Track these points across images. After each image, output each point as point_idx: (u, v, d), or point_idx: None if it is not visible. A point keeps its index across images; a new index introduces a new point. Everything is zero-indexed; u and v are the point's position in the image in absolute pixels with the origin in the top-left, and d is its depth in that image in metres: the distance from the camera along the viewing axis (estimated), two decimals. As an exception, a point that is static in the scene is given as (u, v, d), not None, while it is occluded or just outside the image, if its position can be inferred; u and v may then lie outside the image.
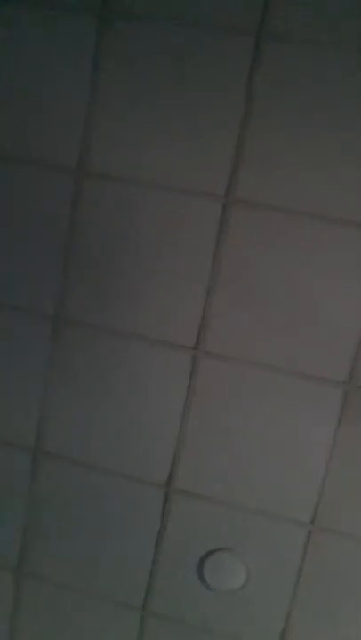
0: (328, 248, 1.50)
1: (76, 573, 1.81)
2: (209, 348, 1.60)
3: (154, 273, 1.60)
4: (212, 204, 1.53)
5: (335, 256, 1.50)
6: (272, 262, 1.53)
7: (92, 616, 1.83)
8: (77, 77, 1.55)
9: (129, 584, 1.78)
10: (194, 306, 1.60)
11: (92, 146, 1.58)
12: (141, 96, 1.52)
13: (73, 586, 1.81)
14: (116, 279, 1.63)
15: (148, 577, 1.76)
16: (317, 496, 1.62)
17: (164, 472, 1.69)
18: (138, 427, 1.68)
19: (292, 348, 1.56)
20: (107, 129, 1.56)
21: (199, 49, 1.47)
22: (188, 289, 1.59)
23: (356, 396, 1.54)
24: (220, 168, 1.51)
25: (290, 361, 1.56)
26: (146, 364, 1.64)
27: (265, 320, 1.56)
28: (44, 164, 1.61)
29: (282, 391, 1.58)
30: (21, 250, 1.67)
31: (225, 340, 1.59)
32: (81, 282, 1.65)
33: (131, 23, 1.50)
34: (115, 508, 1.74)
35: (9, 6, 1.56)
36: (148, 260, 1.60)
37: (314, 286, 1.52)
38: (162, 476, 1.69)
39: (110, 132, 1.57)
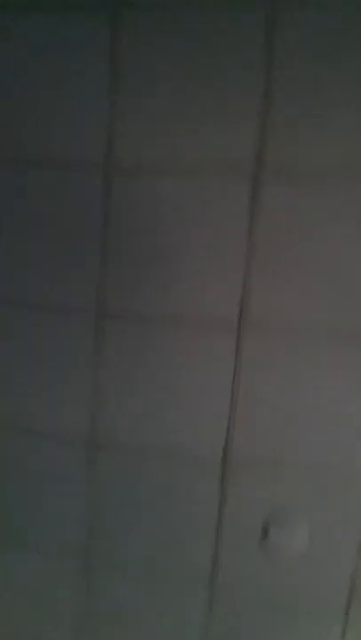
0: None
1: (141, 555, 1.87)
2: (251, 323, 1.66)
3: (189, 257, 1.65)
4: (241, 181, 1.59)
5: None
6: (304, 232, 1.59)
7: (162, 593, 1.89)
8: (96, 73, 1.60)
9: (195, 559, 1.84)
10: (233, 284, 1.65)
11: (118, 139, 1.63)
12: (161, 82, 1.57)
13: (140, 567, 1.88)
14: (153, 267, 1.68)
15: (213, 549, 1.83)
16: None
17: (219, 446, 1.75)
18: (189, 408, 1.74)
19: (334, 312, 1.62)
20: (130, 119, 1.61)
21: (214, 28, 1.51)
22: (225, 268, 1.65)
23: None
24: (246, 145, 1.57)
25: (333, 326, 1.63)
26: (190, 346, 1.70)
27: (303, 290, 1.62)
28: (73, 163, 1.65)
29: (326, 356, 1.64)
30: (58, 250, 1.72)
31: (269, 311, 1.65)
32: (118, 274, 1.70)
33: (141, 12, 1.54)
34: (174, 490, 1.80)
35: (23, 13, 1.61)
36: (182, 245, 1.65)
37: (345, 248, 1.58)
38: (218, 450, 1.75)
39: (135, 123, 1.61)
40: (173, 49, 1.56)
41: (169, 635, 1.91)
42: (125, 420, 1.79)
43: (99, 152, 1.65)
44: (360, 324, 1.61)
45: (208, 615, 1.88)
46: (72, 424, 1.81)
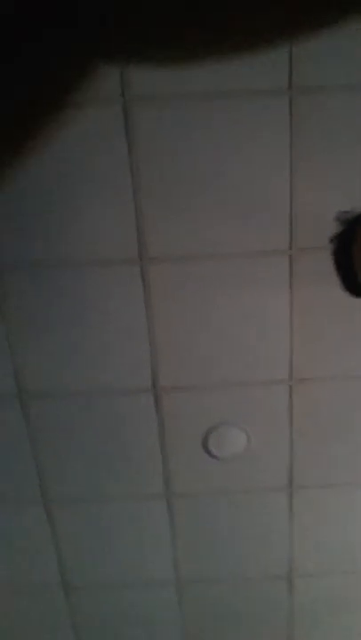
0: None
1: (98, 481, 1.96)
2: (152, 255, 1.61)
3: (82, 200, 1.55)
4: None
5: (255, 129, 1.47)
6: (192, 151, 1.50)
7: (124, 513, 2.02)
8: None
9: (148, 477, 1.95)
10: (126, 219, 1.57)
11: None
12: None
13: (99, 492, 1.98)
14: (43, 215, 1.58)
15: (161, 465, 1.93)
16: (288, 354, 1.74)
17: (148, 376, 1.78)
18: (112, 345, 1.74)
19: (231, 231, 1.58)
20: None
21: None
22: (116, 205, 1.56)
23: (300, 260, 1.60)
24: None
25: (234, 244, 1.59)
26: (97, 285, 1.66)
27: (199, 213, 1.56)
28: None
29: (235, 274, 1.63)
30: None
31: (166, 242, 1.60)
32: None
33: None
34: (114, 421, 1.85)
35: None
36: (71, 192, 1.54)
37: (238, 165, 1.51)
38: (147, 381, 1.78)
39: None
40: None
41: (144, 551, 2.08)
42: (47, 367, 1.77)
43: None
44: (261, 234, 1.59)
45: (171, 524, 2.03)
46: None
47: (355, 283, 1.41)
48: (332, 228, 1.52)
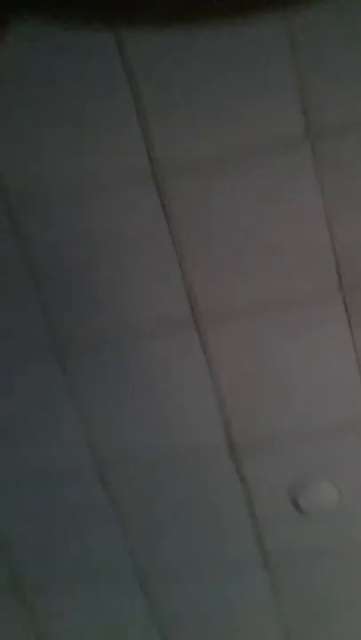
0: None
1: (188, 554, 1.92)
2: (205, 315, 1.61)
3: (124, 268, 1.60)
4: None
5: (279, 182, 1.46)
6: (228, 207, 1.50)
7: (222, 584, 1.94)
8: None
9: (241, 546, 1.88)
10: (174, 281, 1.59)
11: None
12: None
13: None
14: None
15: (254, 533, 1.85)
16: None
17: (222, 436, 1.74)
18: (182, 409, 1.73)
19: (278, 279, 1.55)
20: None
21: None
22: (161, 268, 1.59)
23: (355, 297, 1.54)
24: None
25: (283, 291, 1.56)
26: (153, 352, 1.67)
27: (244, 266, 1.55)
28: None
29: (292, 323, 1.59)
30: None
31: (216, 302, 1.59)
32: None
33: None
34: (193, 486, 1.82)
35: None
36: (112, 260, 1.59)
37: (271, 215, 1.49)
38: (221, 440, 1.75)
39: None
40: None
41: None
42: (122, 439, 1.79)
43: None
44: (308, 278, 1.54)
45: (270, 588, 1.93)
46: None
47: None
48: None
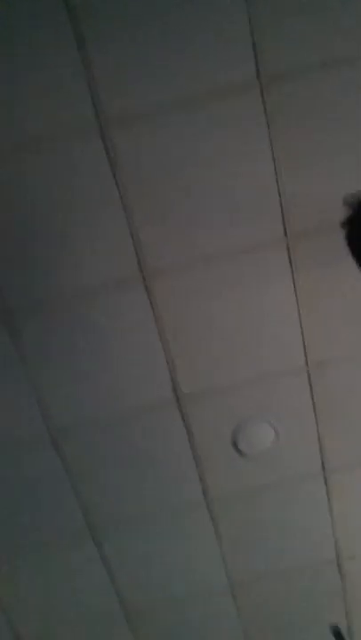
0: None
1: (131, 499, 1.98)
2: (151, 266, 1.62)
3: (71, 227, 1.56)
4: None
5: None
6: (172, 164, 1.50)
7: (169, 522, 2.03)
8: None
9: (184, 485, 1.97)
10: (121, 237, 1.58)
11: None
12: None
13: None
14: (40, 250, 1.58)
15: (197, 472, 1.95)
16: (301, 341, 1.76)
17: (168, 388, 1.79)
18: (129, 363, 1.75)
19: (226, 230, 1.59)
20: None
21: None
22: (108, 224, 1.56)
23: (297, 247, 1.61)
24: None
25: (228, 243, 1.61)
26: (103, 311, 1.67)
27: (188, 220, 1.57)
28: None
29: (236, 273, 1.65)
30: None
31: (164, 252, 1.60)
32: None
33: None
34: (142, 436, 1.87)
35: None
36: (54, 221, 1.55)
37: (219, 167, 1.51)
38: (168, 392, 1.80)
39: None
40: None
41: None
42: (72, 400, 1.78)
43: None
44: (253, 226, 1.59)
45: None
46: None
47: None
48: (321, 211, 1.54)
